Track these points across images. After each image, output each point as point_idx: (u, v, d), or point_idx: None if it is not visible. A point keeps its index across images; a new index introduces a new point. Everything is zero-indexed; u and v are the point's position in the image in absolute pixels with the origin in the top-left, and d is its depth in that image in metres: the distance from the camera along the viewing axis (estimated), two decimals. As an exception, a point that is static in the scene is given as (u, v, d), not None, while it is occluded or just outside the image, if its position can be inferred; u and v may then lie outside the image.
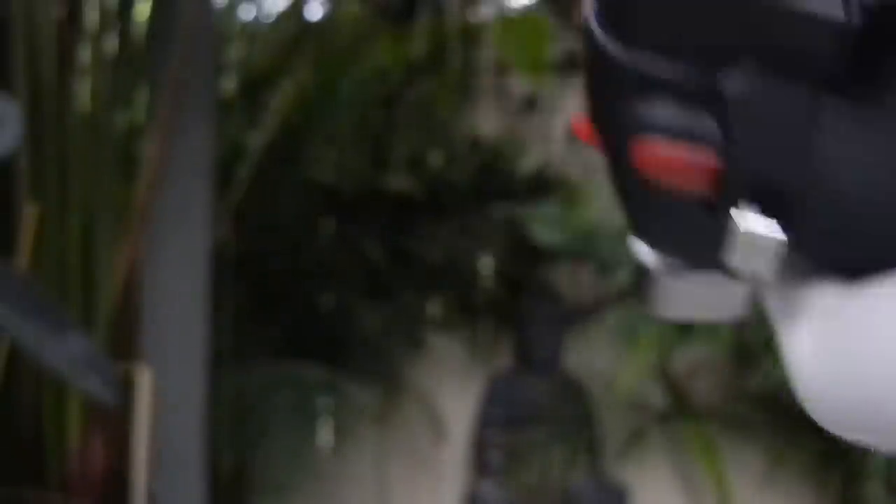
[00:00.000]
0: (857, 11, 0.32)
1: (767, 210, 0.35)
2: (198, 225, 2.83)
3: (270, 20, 4.23)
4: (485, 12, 4.44)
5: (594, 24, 0.36)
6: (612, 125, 0.37)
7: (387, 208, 4.03)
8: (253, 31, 4.22)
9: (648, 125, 0.35)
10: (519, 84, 4.27)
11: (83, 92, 2.70)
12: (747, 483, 3.96)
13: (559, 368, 4.10)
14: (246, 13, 4.23)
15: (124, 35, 2.84)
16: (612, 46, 0.36)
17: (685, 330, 3.78)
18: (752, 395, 3.94)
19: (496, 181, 4.14)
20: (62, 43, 2.62)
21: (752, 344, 3.75)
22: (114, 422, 2.55)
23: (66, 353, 1.84)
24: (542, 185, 4.14)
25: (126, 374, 2.51)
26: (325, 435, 3.88)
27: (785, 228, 0.35)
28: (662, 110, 0.35)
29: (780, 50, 0.34)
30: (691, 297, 0.40)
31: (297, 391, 3.67)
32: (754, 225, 0.35)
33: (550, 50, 4.09)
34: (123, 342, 2.64)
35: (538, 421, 3.93)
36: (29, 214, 2.47)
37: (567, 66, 4.31)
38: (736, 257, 0.36)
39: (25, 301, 1.82)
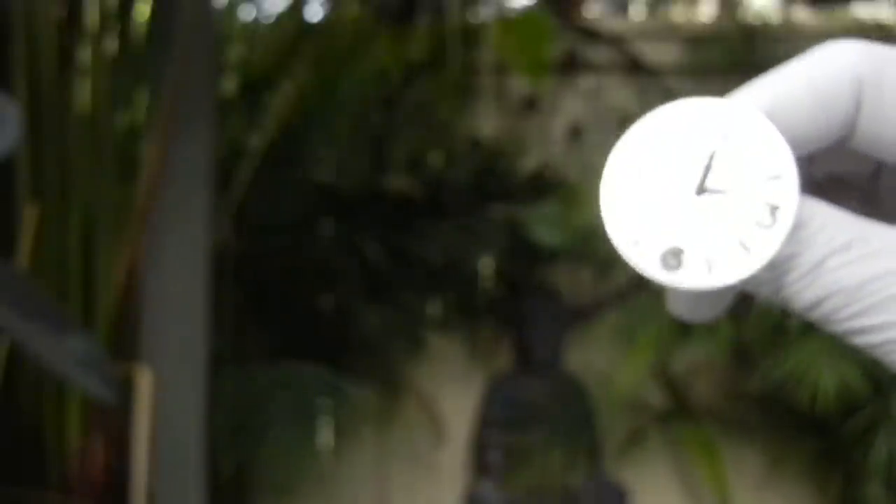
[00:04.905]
0: None
1: None
2: (198, 225, 2.83)
3: (270, 20, 4.23)
4: (485, 12, 4.44)
5: None
6: None
7: (387, 208, 4.03)
8: (253, 31, 4.22)
9: None
10: (519, 84, 4.27)
11: (83, 92, 2.69)
12: (747, 483, 3.96)
13: (559, 369, 4.10)
14: (246, 13, 4.23)
15: (124, 35, 2.83)
16: None
17: (685, 330, 3.77)
18: (752, 396, 3.93)
19: (496, 181, 4.13)
20: (62, 43, 2.62)
21: (752, 344, 3.75)
22: (114, 422, 2.55)
23: (66, 353, 1.83)
24: (542, 186, 4.14)
25: (126, 374, 2.51)
26: (324, 435, 3.88)
27: None
28: None
29: None
30: None
31: (297, 392, 3.67)
32: None
33: (550, 50, 4.09)
34: (123, 342, 2.64)
35: (538, 421, 3.93)
36: (29, 214, 2.47)
37: (567, 66, 4.31)
38: None
39: (25, 301, 1.81)
